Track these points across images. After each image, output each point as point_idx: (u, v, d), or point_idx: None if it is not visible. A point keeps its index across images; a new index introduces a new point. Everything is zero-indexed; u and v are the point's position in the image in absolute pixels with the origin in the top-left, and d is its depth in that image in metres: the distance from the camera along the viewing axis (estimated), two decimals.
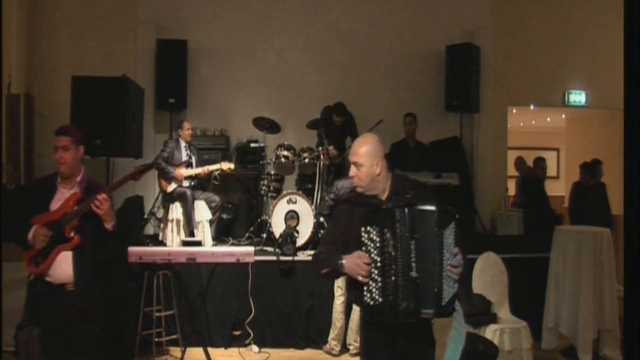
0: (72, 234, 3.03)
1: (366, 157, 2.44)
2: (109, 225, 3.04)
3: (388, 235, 2.23)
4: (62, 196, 3.11)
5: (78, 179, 3.15)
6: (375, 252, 2.25)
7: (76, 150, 3.11)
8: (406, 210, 2.23)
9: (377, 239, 2.25)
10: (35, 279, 3.09)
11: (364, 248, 2.28)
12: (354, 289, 2.40)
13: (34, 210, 3.09)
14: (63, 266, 3.03)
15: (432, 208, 2.24)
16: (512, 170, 8.53)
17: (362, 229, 2.29)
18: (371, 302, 2.26)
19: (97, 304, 3.18)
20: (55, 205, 3.10)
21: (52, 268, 3.03)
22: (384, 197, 2.46)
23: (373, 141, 2.50)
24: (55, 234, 3.01)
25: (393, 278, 2.21)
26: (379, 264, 2.24)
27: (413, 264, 2.20)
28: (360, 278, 2.27)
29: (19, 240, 3.09)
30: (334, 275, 2.49)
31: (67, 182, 3.14)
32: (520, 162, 8.45)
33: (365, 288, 2.27)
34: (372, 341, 2.47)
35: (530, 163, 8.00)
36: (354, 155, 2.48)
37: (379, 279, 2.23)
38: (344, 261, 2.34)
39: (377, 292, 2.24)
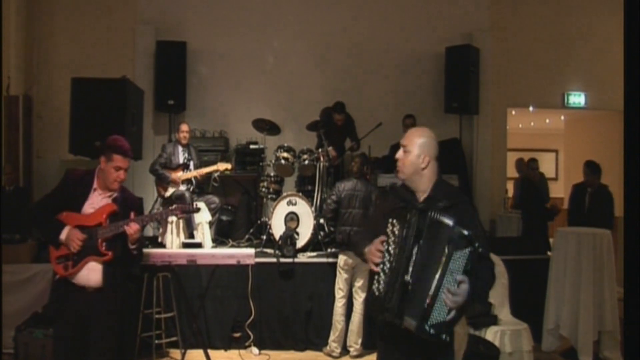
0: (104, 247, 3.04)
1: (416, 145, 2.42)
2: (132, 247, 3.10)
3: (403, 232, 2.23)
4: (96, 202, 3.10)
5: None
6: (393, 245, 2.25)
7: None
8: (420, 213, 2.21)
9: (397, 233, 2.25)
10: (60, 279, 3.09)
11: (386, 239, 2.29)
12: None
13: (64, 205, 3.08)
14: (90, 274, 3.04)
15: (450, 223, 2.13)
16: (511, 172, 8.54)
17: (390, 220, 2.30)
18: (376, 292, 2.27)
19: (117, 306, 3.19)
20: (88, 208, 3.08)
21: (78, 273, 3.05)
22: (421, 198, 2.40)
23: (429, 136, 2.46)
24: (88, 242, 3.02)
25: (392, 274, 2.21)
26: (391, 258, 2.24)
27: (410, 268, 2.18)
28: (371, 265, 2.30)
29: (48, 235, 3.10)
30: (364, 258, 2.46)
31: (104, 188, 3.13)
32: (520, 164, 8.45)
33: (375, 277, 2.29)
34: (384, 344, 2.46)
35: None
36: (406, 139, 2.47)
37: (388, 272, 2.24)
38: (368, 247, 2.34)
39: (383, 284, 2.24)
